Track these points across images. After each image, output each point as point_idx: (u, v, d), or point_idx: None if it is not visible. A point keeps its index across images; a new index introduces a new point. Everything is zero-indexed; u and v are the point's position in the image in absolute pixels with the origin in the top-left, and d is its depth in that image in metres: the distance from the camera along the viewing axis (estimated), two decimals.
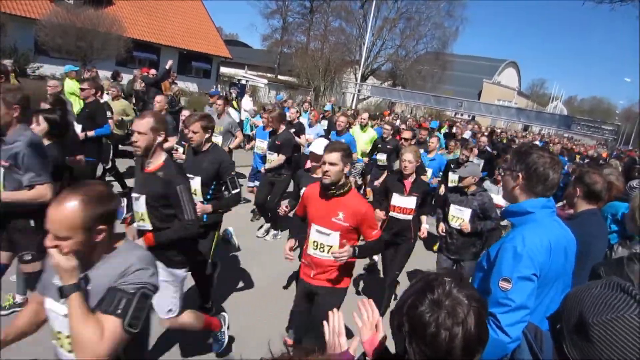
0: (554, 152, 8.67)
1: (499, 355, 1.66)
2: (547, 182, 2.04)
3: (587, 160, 13.12)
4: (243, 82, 29.44)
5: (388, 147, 8.04)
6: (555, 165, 2.05)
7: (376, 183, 7.50)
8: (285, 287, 5.25)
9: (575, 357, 1.04)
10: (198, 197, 3.93)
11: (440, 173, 7.49)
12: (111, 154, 7.43)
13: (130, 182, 6.88)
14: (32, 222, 3.28)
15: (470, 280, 1.91)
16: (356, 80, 32.74)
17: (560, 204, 5.13)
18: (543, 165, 2.03)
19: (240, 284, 5.17)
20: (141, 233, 3.08)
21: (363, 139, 8.61)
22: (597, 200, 3.14)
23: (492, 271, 1.98)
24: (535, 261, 1.89)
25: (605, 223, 3.48)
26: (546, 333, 1.65)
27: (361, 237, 3.24)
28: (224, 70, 33.70)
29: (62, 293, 1.61)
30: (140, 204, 3.03)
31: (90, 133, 6.14)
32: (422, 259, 6.27)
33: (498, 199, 5.11)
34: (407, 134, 7.02)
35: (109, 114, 7.01)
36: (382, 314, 4.20)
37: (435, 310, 1.10)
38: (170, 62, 11.18)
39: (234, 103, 12.70)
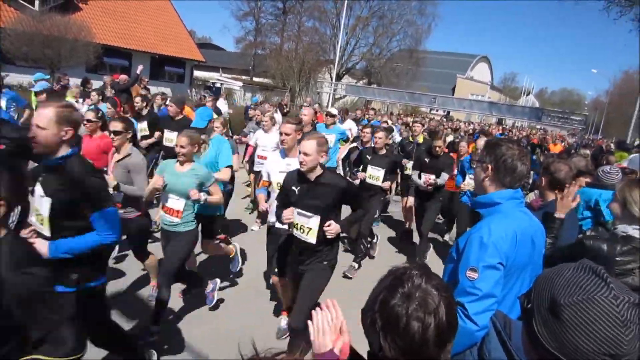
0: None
1: (468, 344, 1.67)
2: (515, 173, 2.09)
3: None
4: (218, 85, 29.24)
5: None
6: (523, 157, 2.10)
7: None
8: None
9: (545, 335, 1.06)
10: None
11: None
12: None
13: None
14: None
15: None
16: (331, 80, 32.81)
17: (532, 194, 5.25)
18: (511, 157, 2.08)
19: (225, 283, 5.16)
20: None
21: None
22: (561, 189, 3.21)
23: (460, 261, 2.02)
24: (500, 250, 1.93)
25: (575, 210, 3.56)
26: (515, 321, 1.68)
27: None
28: (197, 73, 33.43)
29: None
30: None
31: None
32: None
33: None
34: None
35: None
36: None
37: (407, 303, 1.13)
38: (140, 68, 11.10)
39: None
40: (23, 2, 20.07)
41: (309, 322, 1.47)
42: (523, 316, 1.17)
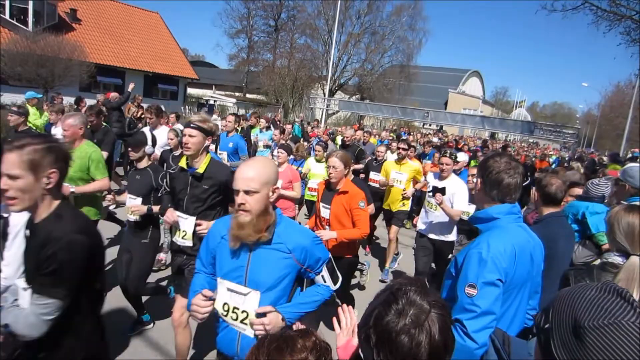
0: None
1: None
2: (501, 186, 2.07)
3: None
4: (211, 102, 29.35)
5: None
6: (509, 170, 2.07)
7: None
8: None
9: (563, 357, 1.02)
10: None
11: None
12: None
13: None
14: None
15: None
16: (324, 96, 33.01)
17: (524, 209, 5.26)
18: (497, 169, 2.07)
19: None
20: None
21: None
22: (554, 203, 3.21)
23: (458, 278, 1.99)
24: (499, 266, 1.91)
25: (569, 224, 3.56)
26: (514, 338, 1.65)
27: None
28: (191, 91, 33.54)
29: None
30: None
31: None
32: None
33: None
34: None
35: None
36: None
37: (400, 319, 1.11)
38: (132, 85, 11.13)
39: None
40: (16, 23, 20.17)
41: (335, 322, 1.69)
42: (538, 335, 1.14)
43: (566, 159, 19.48)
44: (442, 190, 4.81)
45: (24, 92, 10.52)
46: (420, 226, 5.32)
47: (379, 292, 1.24)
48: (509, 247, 1.97)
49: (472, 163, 8.84)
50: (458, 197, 4.98)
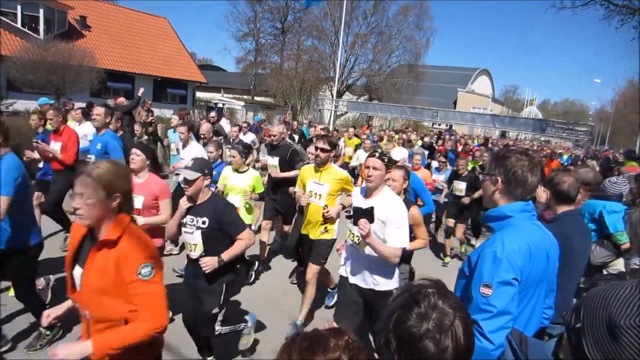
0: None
1: None
2: (527, 185, 2.03)
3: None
4: (220, 105, 29.47)
5: None
6: (533, 168, 2.03)
7: None
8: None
9: (596, 357, 1.01)
10: None
11: None
12: None
13: None
14: None
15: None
16: (332, 97, 33.00)
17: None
18: (521, 168, 2.02)
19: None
20: None
21: None
22: (567, 201, 3.15)
23: (473, 277, 1.95)
24: (515, 265, 1.87)
25: (585, 222, 3.50)
26: (531, 339, 1.62)
27: None
28: (200, 94, 33.72)
29: None
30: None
31: None
32: None
33: None
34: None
35: None
36: None
37: (423, 323, 1.08)
38: (141, 90, 11.29)
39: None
40: (28, 31, 20.43)
41: None
42: (569, 335, 1.11)
43: (580, 157, 19.24)
44: (368, 214, 2.95)
45: (36, 98, 10.69)
46: (344, 268, 3.59)
47: (397, 294, 1.20)
48: (524, 245, 1.93)
49: (471, 165, 8.60)
50: (392, 228, 3.17)
